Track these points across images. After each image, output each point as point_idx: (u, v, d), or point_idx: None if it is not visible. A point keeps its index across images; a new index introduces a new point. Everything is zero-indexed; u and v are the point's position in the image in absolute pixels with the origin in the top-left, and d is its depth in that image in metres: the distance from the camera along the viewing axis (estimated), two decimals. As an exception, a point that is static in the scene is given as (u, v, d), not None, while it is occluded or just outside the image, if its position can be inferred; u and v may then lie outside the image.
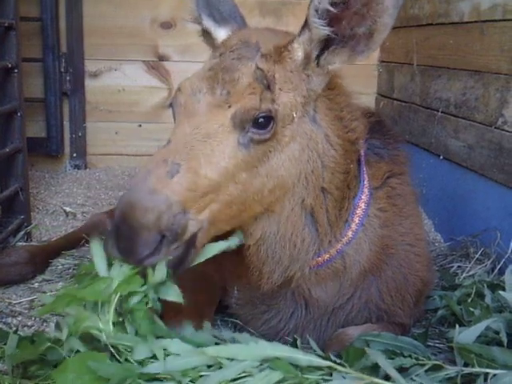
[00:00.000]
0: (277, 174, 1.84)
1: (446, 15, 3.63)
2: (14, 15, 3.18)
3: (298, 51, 1.87)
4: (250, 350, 1.63)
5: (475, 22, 3.25)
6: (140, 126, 5.06)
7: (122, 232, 1.60)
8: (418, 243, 2.27)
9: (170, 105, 1.92)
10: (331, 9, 1.77)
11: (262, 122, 1.76)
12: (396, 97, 4.56)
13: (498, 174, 2.97)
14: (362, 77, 4.92)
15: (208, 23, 2.17)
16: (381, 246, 2.14)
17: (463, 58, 3.40)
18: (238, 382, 1.59)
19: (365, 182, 2.10)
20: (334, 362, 1.66)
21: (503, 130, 2.93)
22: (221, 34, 2.13)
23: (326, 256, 2.05)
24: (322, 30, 1.81)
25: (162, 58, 5.00)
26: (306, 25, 1.84)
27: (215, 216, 1.76)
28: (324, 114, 1.96)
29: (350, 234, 2.06)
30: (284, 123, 1.82)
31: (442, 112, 3.66)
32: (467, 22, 3.35)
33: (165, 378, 1.63)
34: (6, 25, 3.12)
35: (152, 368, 1.61)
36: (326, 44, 1.86)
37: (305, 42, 1.86)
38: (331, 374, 1.65)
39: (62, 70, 4.84)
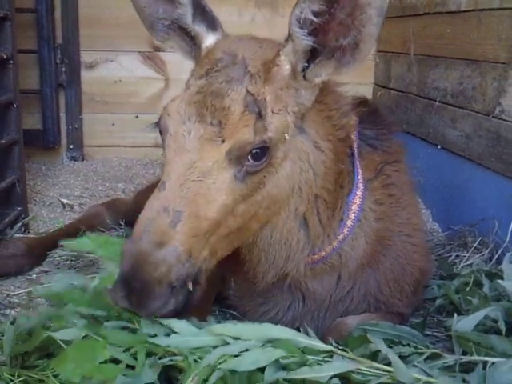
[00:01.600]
0: (272, 195, 1.83)
1: (443, 4, 3.62)
2: (10, 6, 3.15)
3: (285, 64, 1.82)
4: (254, 329, 1.67)
5: (472, 10, 3.23)
6: (137, 117, 5.05)
7: (134, 286, 1.60)
8: (416, 233, 2.26)
9: (157, 125, 1.86)
10: (314, 19, 1.72)
11: (258, 153, 1.72)
12: (393, 87, 4.55)
13: (495, 163, 2.97)
14: (358, 67, 4.89)
15: (200, 27, 2.00)
16: (377, 238, 2.14)
17: (460, 47, 3.39)
18: (240, 356, 1.61)
19: (359, 177, 2.09)
20: (336, 347, 1.68)
21: (501, 119, 2.92)
22: (209, 41, 2.00)
23: (322, 253, 2.05)
24: (304, 40, 1.76)
25: (157, 49, 4.97)
26: (289, 35, 1.79)
27: (215, 249, 1.76)
28: (312, 120, 1.92)
29: (345, 230, 2.06)
30: (277, 146, 1.78)
31: (439, 102, 3.65)
32: (464, 11, 3.34)
33: (173, 353, 1.66)
34: (2, 15, 3.09)
35: (161, 340, 1.64)
36: (312, 56, 1.81)
37: (290, 53, 1.81)
38: (332, 357, 1.66)
39: (58, 61, 4.81)
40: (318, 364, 1.62)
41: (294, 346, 1.64)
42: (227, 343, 1.65)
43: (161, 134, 1.84)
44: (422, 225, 2.45)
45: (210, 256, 1.75)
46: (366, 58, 1.78)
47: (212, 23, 2.00)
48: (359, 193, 2.07)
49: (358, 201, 2.07)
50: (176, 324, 1.69)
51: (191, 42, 2.05)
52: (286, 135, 1.81)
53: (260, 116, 1.73)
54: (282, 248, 1.97)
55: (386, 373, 1.61)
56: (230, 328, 1.68)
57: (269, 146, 1.73)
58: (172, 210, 1.65)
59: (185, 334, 1.68)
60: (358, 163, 2.09)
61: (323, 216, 2.00)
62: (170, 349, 1.65)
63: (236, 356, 1.61)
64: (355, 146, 2.10)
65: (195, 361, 1.62)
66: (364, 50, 1.74)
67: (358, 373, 1.63)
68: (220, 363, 1.60)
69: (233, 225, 1.77)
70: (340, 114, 2.03)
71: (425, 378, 1.59)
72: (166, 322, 1.68)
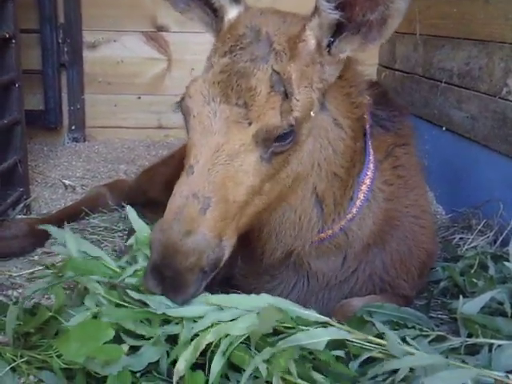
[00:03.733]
0: (296, 172, 1.83)
1: (449, -17, 3.57)
2: (11, -15, 3.12)
3: (311, 39, 1.79)
4: (251, 300, 1.68)
5: (479, -11, 3.19)
6: (139, 98, 5.02)
7: (166, 275, 1.63)
8: (423, 215, 2.25)
9: (179, 107, 1.83)
10: None
11: (284, 135, 1.71)
12: (398, 67, 4.51)
13: (501, 144, 2.94)
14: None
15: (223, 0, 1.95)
16: (385, 218, 2.12)
17: (467, 27, 3.35)
18: (233, 321, 1.63)
19: (370, 157, 2.07)
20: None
21: (507, 100, 2.89)
22: (232, 14, 1.95)
23: (329, 232, 2.04)
24: (331, 14, 1.73)
25: (160, 29, 4.94)
26: (315, 9, 1.75)
27: (240, 228, 1.77)
28: (333, 96, 1.91)
29: (354, 210, 2.04)
30: (302, 124, 1.77)
31: (445, 82, 3.62)
32: (471, -10, 3.30)
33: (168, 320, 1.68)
34: (3, -6, 3.07)
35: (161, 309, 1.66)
36: (337, 30, 1.78)
37: (315, 27, 1.78)
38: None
39: (60, 41, 4.77)
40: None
41: (289, 315, 1.65)
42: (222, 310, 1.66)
43: (184, 116, 1.82)
44: (429, 206, 2.44)
45: (236, 234, 1.76)
46: (390, 35, 1.74)
47: None
48: (370, 173, 2.06)
49: (368, 181, 2.05)
50: None
51: (213, 13, 2.01)
52: (312, 112, 1.80)
53: (286, 96, 1.71)
54: (294, 227, 1.98)
55: (379, 346, 1.61)
56: (227, 298, 1.69)
57: (294, 129, 1.72)
58: (202, 196, 1.65)
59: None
60: (369, 143, 2.07)
61: (337, 194, 1.99)
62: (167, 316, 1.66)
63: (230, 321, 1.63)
64: (368, 125, 2.08)
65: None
66: (391, 26, 1.72)
67: (353, 345, 1.64)
68: (213, 326, 1.61)
69: (259, 204, 1.78)
70: (358, 91, 2.02)
71: (415, 352, 1.58)
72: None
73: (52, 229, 2.04)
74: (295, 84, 1.74)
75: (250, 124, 1.68)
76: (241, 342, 1.60)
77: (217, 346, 1.59)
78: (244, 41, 1.79)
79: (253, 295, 1.70)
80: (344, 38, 1.78)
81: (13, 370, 1.74)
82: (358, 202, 2.05)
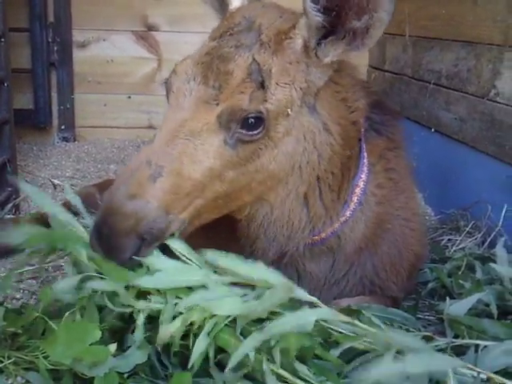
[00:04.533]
0: (267, 169, 1.81)
1: (438, -15, 3.59)
2: (0, -17, 3.11)
3: (298, 38, 1.80)
4: (249, 267, 1.62)
5: (468, -9, 3.21)
6: (129, 97, 5.01)
7: (104, 236, 1.63)
8: (413, 218, 2.26)
9: (165, 84, 1.87)
10: None
11: (252, 123, 1.71)
12: (387, 68, 4.53)
13: (489, 146, 2.96)
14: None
15: None
16: (377, 221, 2.12)
17: (456, 28, 3.36)
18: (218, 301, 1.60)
19: (364, 160, 2.08)
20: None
21: (495, 101, 2.90)
22: (235, 3, 2.05)
23: (322, 235, 2.04)
24: (316, 16, 1.73)
25: (151, 28, 4.94)
26: (304, 10, 1.76)
27: (199, 211, 1.76)
28: (327, 100, 1.91)
29: (348, 213, 2.04)
30: (277, 120, 1.77)
31: (433, 84, 3.63)
32: (460, -8, 3.32)
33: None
34: (-9, -7, 3.06)
35: (142, 281, 1.63)
36: (326, 34, 1.79)
37: (303, 27, 1.79)
38: None
39: (50, 40, 4.76)
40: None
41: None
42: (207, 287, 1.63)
43: (166, 92, 1.86)
44: (419, 209, 2.45)
45: (194, 217, 1.76)
46: (373, 44, 1.76)
47: None
48: (363, 176, 2.06)
49: (361, 184, 2.05)
50: (159, 262, 1.68)
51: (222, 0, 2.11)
52: (289, 110, 1.79)
53: (262, 86, 1.73)
54: (284, 226, 1.96)
55: (363, 333, 1.59)
56: (225, 259, 1.64)
57: (264, 118, 1.72)
58: (155, 164, 1.66)
59: (170, 272, 1.66)
60: (364, 147, 2.08)
61: (326, 198, 1.98)
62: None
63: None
64: (363, 129, 2.08)
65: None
66: (373, 36, 1.73)
67: (339, 333, 1.62)
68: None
69: (220, 190, 1.76)
70: (355, 96, 2.02)
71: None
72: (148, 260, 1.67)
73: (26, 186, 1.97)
74: (274, 77, 1.75)
75: (217, 105, 1.71)
76: (226, 325, 1.58)
77: (200, 327, 1.57)
78: (236, 28, 1.83)
79: (251, 263, 1.64)
80: (329, 42, 1.78)
81: (0, 371, 1.74)
82: (352, 205, 2.05)
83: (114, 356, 1.61)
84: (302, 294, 1.61)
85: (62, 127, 4.95)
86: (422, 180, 3.57)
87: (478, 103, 3.07)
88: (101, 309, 1.70)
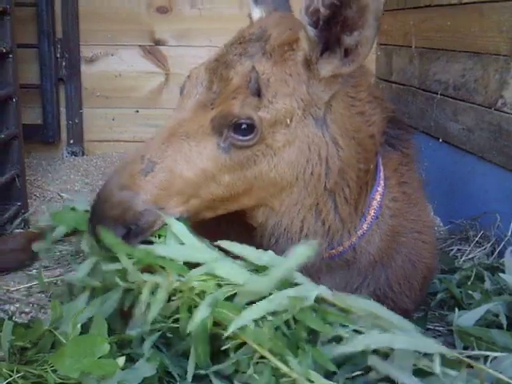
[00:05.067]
0: (267, 176, 1.82)
1: (444, -4, 3.59)
2: (9, 0, 3.14)
3: (300, 51, 1.81)
4: (258, 253, 1.64)
5: (474, 3, 3.21)
6: (137, 111, 5.03)
7: (93, 222, 1.71)
8: (426, 230, 2.24)
9: (180, 88, 1.94)
10: (322, 10, 1.69)
11: (245, 129, 1.74)
12: (394, 80, 4.53)
13: (497, 156, 2.95)
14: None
15: (251, 1, 2.17)
16: (391, 234, 2.11)
17: (462, 39, 3.37)
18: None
19: (380, 174, 2.07)
20: None
21: (503, 111, 2.90)
22: (256, 13, 2.12)
23: (340, 249, 2.02)
24: (310, 30, 1.74)
25: (158, 43, 4.97)
26: (302, 24, 1.77)
27: (196, 209, 1.80)
28: (341, 113, 1.90)
29: (365, 226, 2.03)
30: (275, 129, 1.78)
31: (440, 94, 3.63)
32: (466, 3, 3.31)
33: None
34: (1, 9, 3.09)
35: (157, 248, 1.65)
36: (324, 48, 1.79)
37: (304, 40, 1.79)
38: None
39: (58, 55, 4.80)
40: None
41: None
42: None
43: (180, 95, 1.93)
44: (431, 222, 2.44)
45: (194, 214, 1.80)
46: (363, 61, 1.78)
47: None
48: (380, 189, 2.05)
49: (378, 197, 2.04)
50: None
51: None
52: (288, 120, 1.79)
53: (258, 94, 1.75)
54: (297, 238, 1.95)
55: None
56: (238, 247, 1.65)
57: (255, 125, 1.74)
58: (148, 160, 1.72)
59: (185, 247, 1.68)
60: (380, 160, 2.08)
61: (342, 211, 1.97)
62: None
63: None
64: (379, 143, 2.08)
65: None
66: (361, 54, 1.73)
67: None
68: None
69: (217, 192, 1.79)
70: (372, 110, 2.01)
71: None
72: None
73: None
74: (272, 87, 1.77)
75: (212, 109, 1.76)
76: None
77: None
78: (247, 37, 1.87)
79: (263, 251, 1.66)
80: (326, 56, 1.79)
81: (9, 385, 1.75)
82: (369, 218, 2.04)
83: (123, 369, 1.61)
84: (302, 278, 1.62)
85: (71, 141, 4.98)
86: (430, 190, 3.56)
87: (485, 113, 3.07)
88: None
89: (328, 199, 1.94)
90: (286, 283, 1.59)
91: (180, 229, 1.70)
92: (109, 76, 4.98)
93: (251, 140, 1.75)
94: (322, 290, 1.58)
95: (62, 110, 4.93)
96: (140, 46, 4.96)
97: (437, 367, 1.44)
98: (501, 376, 1.47)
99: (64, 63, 4.84)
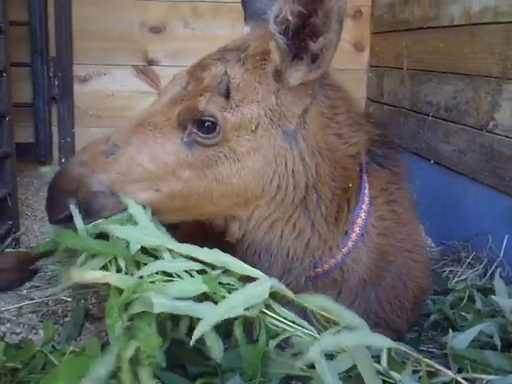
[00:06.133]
0: (229, 182, 1.84)
1: (436, 19, 3.63)
2: (3, 19, 3.15)
3: (270, 62, 1.86)
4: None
5: (465, 25, 3.25)
6: (129, 130, 5.02)
7: (49, 194, 1.80)
8: (417, 249, 2.25)
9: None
10: (290, 19, 1.73)
11: (208, 126, 1.79)
12: (386, 101, 4.56)
13: (489, 177, 2.97)
14: (351, 81, 4.91)
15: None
16: (380, 253, 2.11)
17: (453, 61, 3.40)
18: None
19: (365, 191, 2.08)
20: None
21: (494, 133, 2.92)
22: (245, 30, 2.21)
23: (326, 267, 2.03)
24: (279, 39, 1.79)
25: (151, 63, 4.97)
26: (271, 33, 1.81)
27: (156, 205, 1.81)
28: (314, 132, 1.91)
29: (350, 244, 2.03)
30: (240, 133, 1.82)
31: (432, 116, 3.66)
32: (457, 26, 3.35)
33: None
34: (-5, 28, 3.10)
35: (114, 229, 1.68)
36: (292, 57, 1.83)
37: (274, 50, 1.84)
38: None
39: (51, 74, 4.79)
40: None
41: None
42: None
43: None
44: (422, 241, 2.44)
45: (156, 210, 1.81)
46: (327, 67, 1.82)
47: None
48: (364, 207, 2.06)
49: (363, 215, 2.05)
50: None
51: None
52: (253, 126, 1.83)
53: (226, 96, 1.80)
54: (278, 254, 1.97)
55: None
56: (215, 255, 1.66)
57: (218, 124, 1.78)
58: (112, 143, 1.79)
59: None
60: (365, 178, 2.08)
61: (321, 229, 1.98)
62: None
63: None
64: (364, 161, 2.08)
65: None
66: (326, 58, 1.77)
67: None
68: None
69: (176, 188, 1.82)
70: (352, 133, 2.02)
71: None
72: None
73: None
74: (241, 92, 1.83)
75: (180, 104, 1.82)
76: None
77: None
78: (229, 47, 1.95)
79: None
80: (295, 63, 1.82)
81: (-1, 407, 1.73)
82: (354, 236, 2.04)
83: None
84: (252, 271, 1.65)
85: (63, 160, 4.94)
86: (422, 211, 3.57)
87: (477, 135, 3.09)
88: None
89: (301, 215, 1.95)
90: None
91: (138, 211, 1.71)
92: (102, 95, 4.98)
93: (213, 139, 1.79)
94: (276, 285, 1.61)
95: (55, 128, 4.91)
96: (133, 65, 4.97)
97: (384, 361, 1.52)
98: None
99: (57, 82, 4.83)
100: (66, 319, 2.49)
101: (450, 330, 1.91)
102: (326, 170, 1.95)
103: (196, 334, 1.44)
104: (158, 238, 1.66)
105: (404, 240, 2.20)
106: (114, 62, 4.94)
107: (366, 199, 2.07)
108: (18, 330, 2.40)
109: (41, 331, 2.37)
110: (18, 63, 4.31)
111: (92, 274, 1.56)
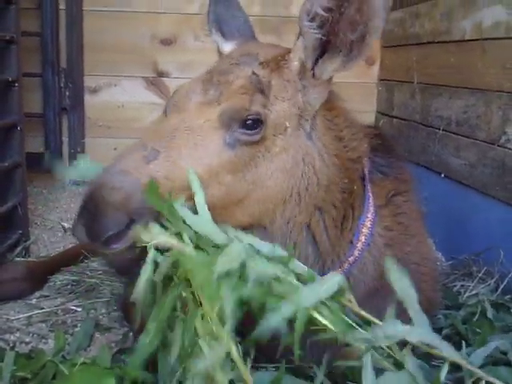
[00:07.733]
0: (265, 184, 1.80)
1: (447, 33, 3.64)
2: (16, 29, 3.17)
3: (294, 60, 1.86)
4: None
5: (477, 39, 3.25)
6: (139, 142, 5.03)
7: (88, 211, 1.55)
8: (425, 262, 2.23)
9: (165, 107, 1.90)
10: (323, 13, 1.73)
11: (251, 124, 1.74)
12: (396, 115, 4.56)
13: (500, 191, 2.96)
14: (361, 95, 4.94)
15: (216, 37, 2.21)
16: None
17: (464, 75, 3.40)
18: None
19: (370, 201, 2.07)
20: None
21: (506, 147, 2.91)
22: (227, 48, 2.16)
23: None
24: (314, 34, 1.77)
25: (161, 75, 5.01)
26: (300, 31, 1.81)
27: None
28: (322, 133, 1.93)
29: (356, 253, 2.02)
30: (275, 131, 1.80)
31: (442, 130, 3.65)
32: (469, 40, 3.36)
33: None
34: (8, 39, 3.11)
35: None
36: (321, 52, 1.83)
37: (300, 49, 1.84)
38: None
39: (62, 85, 4.83)
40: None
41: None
42: None
43: (165, 111, 1.88)
44: (431, 254, 2.42)
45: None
46: (369, 51, 1.79)
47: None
48: (370, 216, 2.04)
49: (369, 224, 2.03)
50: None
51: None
52: (287, 123, 1.81)
53: (262, 93, 1.77)
54: None
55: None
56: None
57: (263, 121, 1.75)
58: (151, 148, 1.63)
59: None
60: (368, 187, 2.08)
61: (331, 233, 1.96)
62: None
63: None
64: (366, 170, 2.08)
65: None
66: (369, 42, 1.75)
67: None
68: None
69: (216, 193, 1.72)
70: (352, 136, 2.02)
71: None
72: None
73: None
74: (273, 90, 1.80)
75: (219, 104, 1.75)
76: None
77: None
78: (235, 57, 1.92)
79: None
80: (327, 58, 1.82)
81: (10, 417, 1.72)
82: (360, 245, 2.02)
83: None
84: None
85: (72, 171, 4.96)
86: (432, 225, 3.56)
87: (488, 149, 3.09)
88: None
89: (319, 219, 1.94)
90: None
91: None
92: (112, 106, 5.01)
93: (256, 135, 1.75)
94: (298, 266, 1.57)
95: (65, 139, 4.95)
96: (143, 77, 5.00)
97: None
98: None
99: (67, 93, 4.87)
100: (76, 329, 2.48)
101: (463, 345, 1.88)
102: (335, 171, 1.95)
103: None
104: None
105: (411, 252, 2.18)
106: (124, 74, 4.98)
107: (371, 208, 2.05)
108: (27, 340, 2.40)
109: (50, 341, 2.37)
110: (29, 74, 4.34)
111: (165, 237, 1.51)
